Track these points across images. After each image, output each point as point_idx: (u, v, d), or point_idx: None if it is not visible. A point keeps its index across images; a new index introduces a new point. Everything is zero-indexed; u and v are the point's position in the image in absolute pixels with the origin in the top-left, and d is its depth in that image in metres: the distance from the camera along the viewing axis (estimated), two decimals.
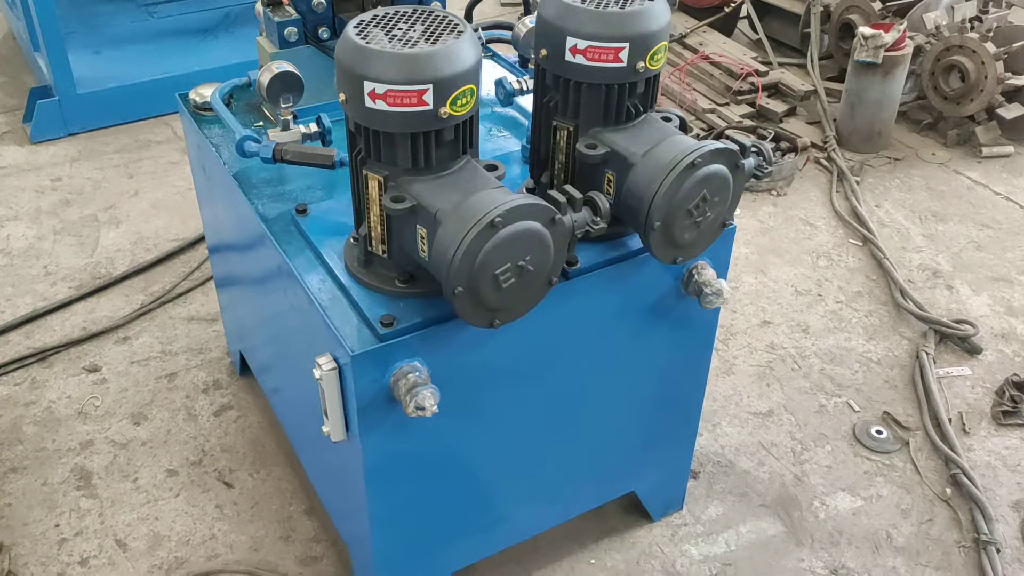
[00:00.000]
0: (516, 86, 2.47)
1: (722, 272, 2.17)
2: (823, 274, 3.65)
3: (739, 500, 2.72)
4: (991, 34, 4.35)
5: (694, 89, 4.73)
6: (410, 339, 1.82)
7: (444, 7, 2.60)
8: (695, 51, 4.94)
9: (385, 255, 1.87)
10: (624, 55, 1.84)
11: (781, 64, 5.02)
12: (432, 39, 1.70)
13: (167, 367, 3.14)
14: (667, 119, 2.03)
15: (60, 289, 3.49)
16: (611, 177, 1.93)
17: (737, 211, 3.99)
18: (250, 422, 2.93)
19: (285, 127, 2.27)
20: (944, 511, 2.70)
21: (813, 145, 4.40)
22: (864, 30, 4.20)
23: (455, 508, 2.17)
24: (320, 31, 2.41)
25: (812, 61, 4.86)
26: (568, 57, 1.86)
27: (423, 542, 2.19)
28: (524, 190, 2.12)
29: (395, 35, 1.72)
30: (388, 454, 1.95)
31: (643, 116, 1.98)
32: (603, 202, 1.81)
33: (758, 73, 4.69)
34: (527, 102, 2.43)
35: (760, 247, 3.80)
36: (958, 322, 3.33)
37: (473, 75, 1.72)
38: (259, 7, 2.44)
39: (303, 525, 2.62)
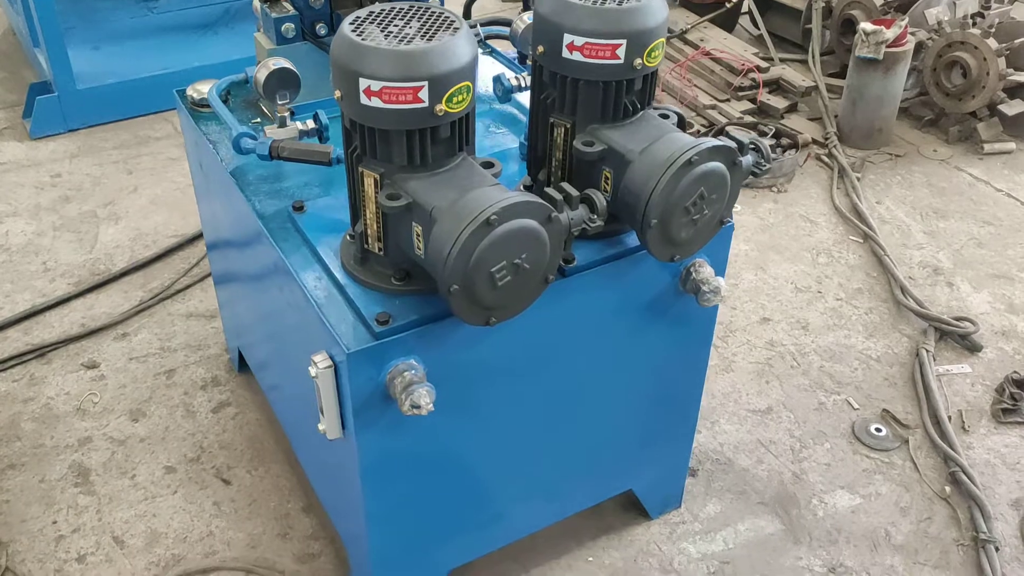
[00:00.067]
0: (514, 83, 2.46)
1: (720, 270, 2.16)
2: (823, 271, 3.64)
3: (737, 498, 2.72)
4: (993, 30, 4.33)
5: (695, 85, 4.72)
6: (406, 337, 1.81)
7: (442, 4, 2.59)
8: (696, 47, 4.93)
9: (381, 252, 1.87)
10: (621, 52, 1.83)
11: (782, 60, 5.01)
12: (428, 36, 1.70)
13: (166, 364, 3.14)
14: (665, 116, 2.02)
15: (59, 285, 3.49)
16: (608, 174, 1.92)
17: (737, 207, 4.01)
18: (248, 419, 2.93)
19: (282, 124, 2.26)
20: (943, 509, 2.69)
21: (814, 141, 4.39)
22: (865, 26, 4.18)
23: (452, 506, 2.16)
24: (318, 27, 2.40)
25: (813, 57, 4.85)
26: (565, 54, 1.85)
27: (420, 540, 2.19)
28: (521, 187, 2.12)
29: (391, 32, 1.71)
30: (384, 452, 1.95)
31: (641, 113, 1.97)
32: (600, 200, 1.81)
33: (759, 69, 4.68)
34: (525, 99, 2.41)
35: (760, 244, 3.79)
36: (958, 319, 3.33)
37: (469, 72, 1.71)
38: (256, 3, 2.43)
39: (301, 522, 2.62)
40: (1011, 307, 3.47)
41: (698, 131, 4.36)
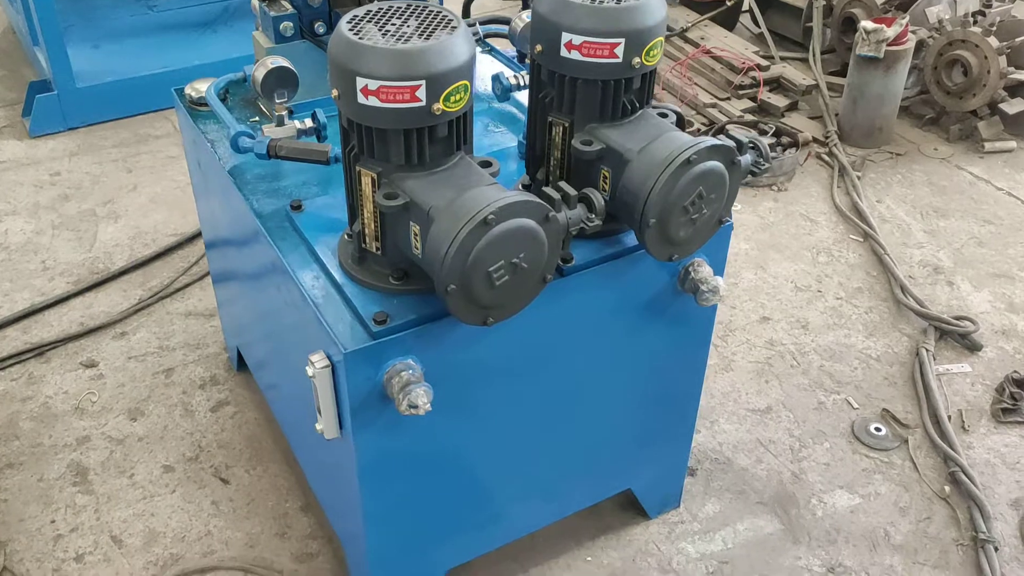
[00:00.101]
0: (513, 81, 2.46)
1: (719, 269, 2.16)
2: (823, 270, 3.64)
3: (736, 498, 2.71)
4: (994, 28, 4.32)
5: (695, 84, 4.71)
6: (403, 336, 1.81)
7: (441, 3, 2.59)
8: (697, 45, 4.92)
9: (379, 252, 1.86)
10: (620, 51, 1.82)
11: (783, 58, 5.00)
12: (426, 34, 1.69)
13: (164, 363, 3.14)
14: (663, 115, 2.02)
15: (58, 284, 3.48)
16: (607, 174, 1.92)
17: (737, 206, 4.00)
18: (247, 418, 2.93)
19: (280, 122, 2.26)
20: (942, 509, 2.69)
21: (814, 140, 4.38)
22: (866, 24, 4.17)
23: (449, 506, 2.16)
24: (316, 26, 2.40)
25: (814, 55, 4.84)
26: (563, 53, 1.85)
27: (417, 540, 2.18)
28: (520, 187, 2.11)
29: (388, 30, 1.70)
30: (381, 452, 1.94)
31: (639, 112, 1.96)
32: (598, 199, 1.80)
33: (759, 67, 4.67)
34: (525, 97, 2.41)
35: (760, 243, 3.78)
36: (958, 319, 3.32)
37: (467, 71, 1.71)
38: (255, 1, 2.43)
39: (299, 522, 2.61)
40: (1011, 306, 3.46)
41: (698, 129, 4.36)
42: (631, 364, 2.23)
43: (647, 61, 1.86)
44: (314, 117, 2.27)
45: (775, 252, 3.73)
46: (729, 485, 2.75)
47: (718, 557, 2.55)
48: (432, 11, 1.76)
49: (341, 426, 1.91)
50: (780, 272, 3.62)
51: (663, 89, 4.73)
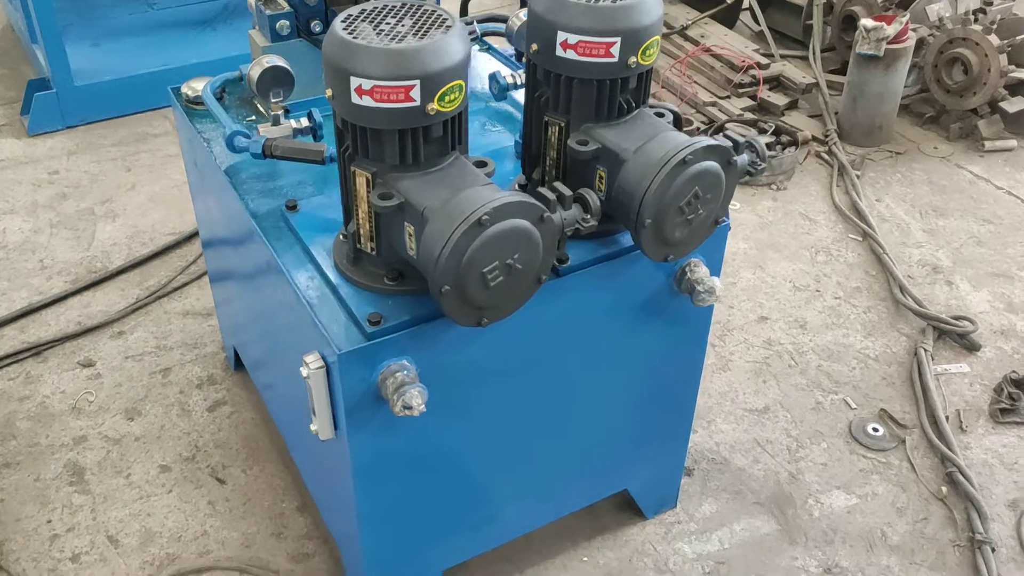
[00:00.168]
0: (510, 80, 2.45)
1: (715, 270, 2.15)
2: (822, 269, 3.63)
3: (733, 498, 2.71)
4: (995, 26, 4.31)
5: (695, 82, 4.70)
6: (398, 337, 1.80)
7: (438, 2, 2.58)
8: (697, 43, 4.91)
9: (374, 252, 1.86)
10: (616, 50, 1.81)
11: (783, 56, 4.99)
12: (420, 34, 1.69)
13: (161, 362, 3.13)
14: (660, 114, 2.01)
15: (56, 283, 3.48)
16: (603, 174, 1.91)
17: (736, 205, 3.99)
18: (244, 418, 2.92)
19: (276, 122, 2.25)
20: (940, 510, 2.68)
21: (814, 139, 4.37)
22: (866, 22, 4.16)
23: (445, 507, 2.15)
24: (313, 24, 2.40)
25: (814, 54, 4.83)
26: (559, 52, 1.84)
27: (413, 540, 2.18)
28: (516, 186, 2.11)
29: (383, 30, 1.70)
30: (376, 453, 1.94)
31: (636, 112, 1.96)
32: (593, 199, 1.80)
33: (759, 66, 4.66)
34: (522, 96, 2.40)
35: (759, 242, 3.77)
36: (957, 318, 3.31)
37: (462, 70, 1.70)
38: (252, 0, 2.42)
39: (295, 522, 2.61)
40: (1010, 306, 3.45)
41: (698, 128, 4.35)
42: (627, 365, 2.22)
43: (643, 60, 1.85)
44: (310, 116, 2.27)
45: (774, 251, 3.72)
46: (726, 485, 2.74)
47: (715, 557, 2.54)
48: (427, 10, 1.76)
49: (336, 427, 1.91)
50: (778, 271, 3.61)
51: (663, 87, 4.72)
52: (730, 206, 2.03)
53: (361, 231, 1.84)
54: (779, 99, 4.56)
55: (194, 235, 3.68)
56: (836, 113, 4.50)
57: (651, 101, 2.03)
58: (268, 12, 2.35)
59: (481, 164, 1.84)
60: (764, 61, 4.73)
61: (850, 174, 4.13)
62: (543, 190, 1.77)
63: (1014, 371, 3.09)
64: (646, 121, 1.95)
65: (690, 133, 4.07)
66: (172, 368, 3.11)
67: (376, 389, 1.82)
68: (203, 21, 5.09)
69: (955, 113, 4.46)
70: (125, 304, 3.37)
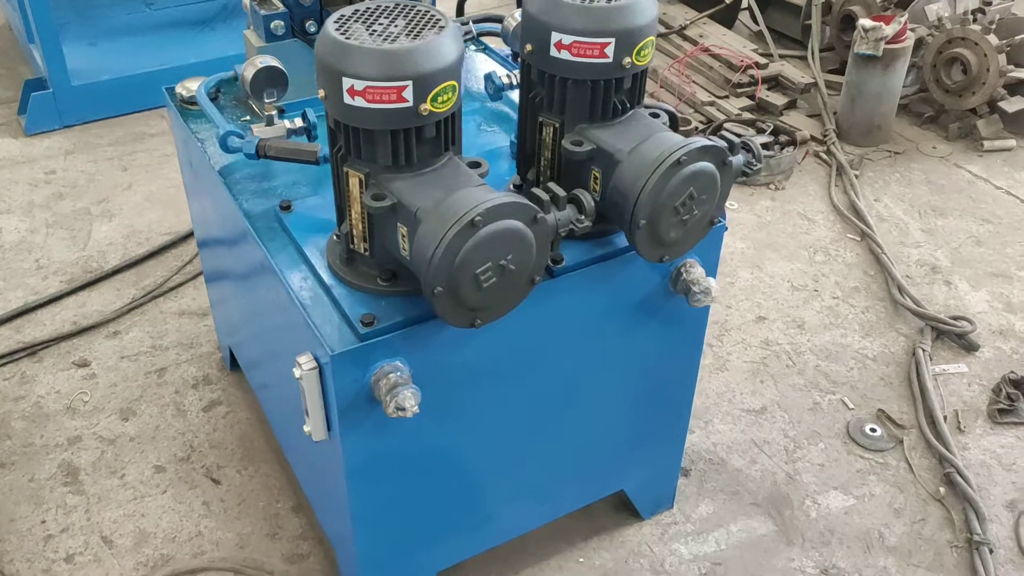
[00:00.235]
0: (506, 80, 2.44)
1: (711, 270, 2.14)
2: (820, 269, 3.62)
3: (730, 498, 2.70)
4: (993, 26, 4.30)
5: (693, 82, 4.69)
6: (391, 338, 1.79)
7: (433, 2, 2.57)
8: (695, 43, 4.90)
9: (367, 253, 1.85)
10: (610, 51, 1.81)
11: (782, 56, 4.98)
12: (413, 34, 1.68)
13: (157, 362, 3.13)
14: (655, 115, 2.00)
15: (51, 283, 3.47)
16: (597, 174, 1.90)
17: (734, 205, 3.98)
18: (239, 418, 2.92)
19: (270, 122, 2.25)
20: (937, 510, 2.67)
21: (813, 138, 4.36)
22: (865, 22, 4.15)
23: (439, 508, 2.15)
24: (307, 25, 2.39)
25: (813, 53, 4.82)
26: (553, 52, 1.83)
27: (407, 541, 2.17)
28: (511, 187, 2.10)
29: (375, 30, 1.69)
30: (370, 454, 1.93)
31: (630, 112, 1.95)
32: (587, 200, 1.79)
33: (758, 65, 4.65)
34: (518, 96, 2.40)
35: (757, 242, 3.77)
36: (955, 318, 3.30)
37: (455, 71, 1.69)
38: (246, 0, 2.41)
39: (290, 522, 2.60)
40: (1009, 306, 3.44)
41: (696, 128, 4.34)
42: (623, 366, 2.21)
43: (638, 61, 1.84)
44: (304, 116, 2.26)
45: (772, 251, 3.72)
46: (723, 486, 2.74)
47: (711, 558, 2.53)
48: (421, 11, 1.75)
49: (329, 428, 1.90)
50: (776, 271, 3.61)
51: (661, 87, 4.71)
52: (727, 206, 2.02)
53: (354, 232, 1.84)
54: (778, 99, 4.55)
55: (190, 235, 3.67)
56: (835, 113, 4.49)
57: (648, 101, 2.02)
58: (262, 12, 2.35)
59: (475, 164, 1.83)
60: (763, 61, 4.72)
61: (848, 174, 4.12)
62: (537, 191, 1.76)
63: (1012, 371, 3.08)
64: (641, 122, 1.94)
65: (688, 133, 4.07)
66: (167, 368, 3.10)
67: (369, 390, 1.81)
68: (201, 21, 5.08)
69: (954, 113, 4.46)
70: (121, 304, 3.37)
